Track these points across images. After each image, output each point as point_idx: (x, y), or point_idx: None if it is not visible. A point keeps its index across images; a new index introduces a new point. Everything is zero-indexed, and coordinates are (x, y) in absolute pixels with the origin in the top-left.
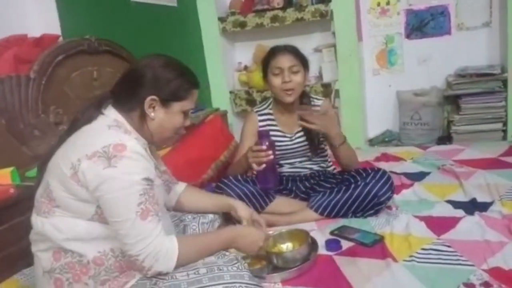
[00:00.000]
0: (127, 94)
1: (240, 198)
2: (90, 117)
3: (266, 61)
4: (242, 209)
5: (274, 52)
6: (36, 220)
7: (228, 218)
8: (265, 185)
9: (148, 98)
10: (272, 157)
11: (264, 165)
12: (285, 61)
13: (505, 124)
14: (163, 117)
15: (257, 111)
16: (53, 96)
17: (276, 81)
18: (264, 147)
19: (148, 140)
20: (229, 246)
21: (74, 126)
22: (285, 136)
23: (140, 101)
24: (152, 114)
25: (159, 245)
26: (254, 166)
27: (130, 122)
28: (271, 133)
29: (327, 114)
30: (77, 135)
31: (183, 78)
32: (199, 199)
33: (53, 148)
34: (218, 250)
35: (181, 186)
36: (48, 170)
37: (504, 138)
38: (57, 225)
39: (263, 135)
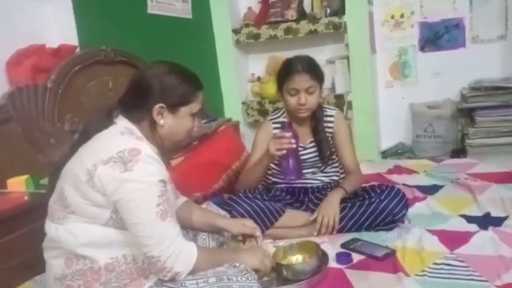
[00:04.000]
0: (135, 104)
1: (249, 215)
2: (100, 127)
3: (282, 77)
4: (232, 227)
5: (291, 71)
6: (50, 227)
7: None
8: (288, 176)
9: (156, 106)
10: (294, 145)
11: (285, 152)
12: (301, 82)
13: None
14: (172, 123)
15: (271, 119)
16: (69, 105)
17: (292, 100)
18: (287, 134)
19: (160, 147)
20: (235, 260)
21: (85, 136)
22: (299, 146)
23: (148, 110)
24: (162, 121)
25: (181, 245)
26: (277, 153)
27: (141, 130)
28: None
29: (326, 203)
30: (90, 142)
31: (187, 82)
32: (194, 216)
33: (65, 157)
34: (228, 262)
35: (181, 200)
36: (62, 177)
37: None
38: (72, 231)
39: (287, 125)
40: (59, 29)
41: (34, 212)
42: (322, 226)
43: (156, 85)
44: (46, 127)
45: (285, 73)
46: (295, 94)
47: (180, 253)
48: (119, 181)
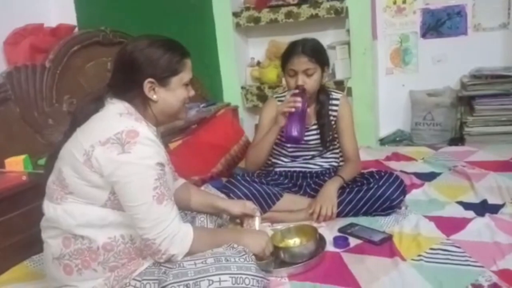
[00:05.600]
0: (124, 84)
1: (247, 198)
2: (89, 114)
3: (284, 59)
4: (232, 208)
5: (291, 53)
6: (48, 207)
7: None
8: (291, 133)
9: (146, 82)
10: (300, 104)
11: (293, 110)
12: (299, 64)
13: None
14: (165, 95)
15: (276, 97)
16: (67, 85)
17: (291, 81)
18: (298, 97)
19: (156, 124)
20: (237, 244)
21: (74, 124)
22: (306, 109)
23: (138, 87)
24: (154, 96)
25: (176, 228)
26: (285, 109)
27: (137, 110)
28: None
29: (324, 193)
30: (89, 123)
31: (171, 52)
32: (193, 198)
33: (59, 144)
34: (227, 243)
35: (179, 182)
36: (60, 157)
37: None
38: (70, 211)
39: (300, 88)
40: (58, 9)
41: (32, 192)
42: (320, 216)
43: (139, 59)
44: (44, 107)
45: (286, 54)
46: (293, 75)
47: (175, 236)
48: (116, 163)
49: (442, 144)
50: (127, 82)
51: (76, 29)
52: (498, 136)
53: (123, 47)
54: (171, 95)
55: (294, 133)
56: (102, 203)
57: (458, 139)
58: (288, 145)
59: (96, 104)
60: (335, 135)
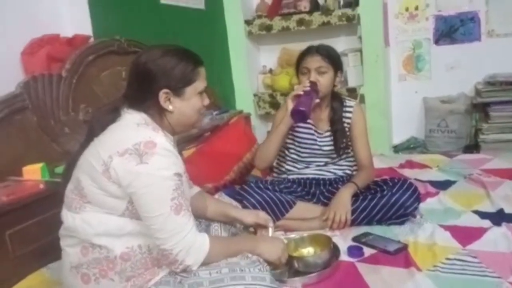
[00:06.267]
0: (140, 94)
1: (260, 205)
2: (106, 124)
3: (298, 61)
4: (245, 217)
5: (305, 53)
6: (67, 216)
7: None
8: (298, 107)
9: (161, 92)
10: (308, 88)
11: (301, 93)
12: (312, 62)
13: None
14: (181, 105)
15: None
16: (83, 94)
17: (303, 79)
18: (307, 83)
19: (172, 133)
20: (252, 251)
21: (91, 134)
22: (316, 132)
23: (154, 97)
24: (170, 106)
25: (193, 239)
26: (295, 92)
27: (154, 120)
28: (304, 125)
29: (338, 199)
30: (106, 133)
31: (184, 61)
32: (207, 206)
33: (76, 153)
34: (242, 253)
35: (194, 190)
36: (78, 166)
37: None
38: (88, 220)
39: (311, 83)
40: (73, 19)
41: (49, 200)
42: (334, 222)
43: (153, 69)
44: (61, 116)
45: (301, 55)
46: (306, 72)
47: (192, 247)
48: (134, 173)
49: (457, 151)
50: (142, 93)
51: (92, 39)
52: None
53: (137, 57)
54: (186, 104)
55: (301, 107)
56: (120, 213)
57: (473, 146)
58: (302, 151)
59: (113, 115)
60: (349, 143)
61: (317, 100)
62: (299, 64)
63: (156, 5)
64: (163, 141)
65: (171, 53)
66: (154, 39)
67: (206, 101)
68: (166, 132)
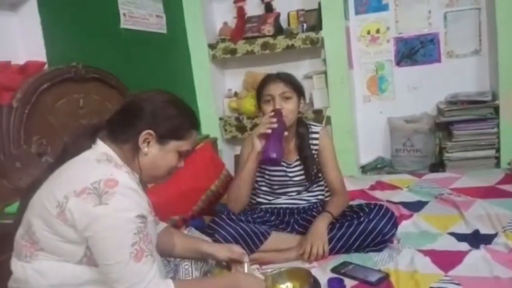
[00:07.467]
0: (123, 126)
1: (233, 238)
2: (81, 147)
3: (259, 90)
4: (218, 253)
5: (266, 79)
6: (17, 265)
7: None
8: (268, 155)
9: (144, 132)
10: (276, 125)
11: (270, 132)
12: (276, 88)
13: (497, 150)
14: (157, 154)
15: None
16: (36, 125)
17: (267, 108)
18: (273, 118)
19: (139, 174)
20: None
21: (64, 156)
22: (285, 163)
23: (135, 134)
24: (146, 149)
25: None
26: (261, 130)
27: (121, 156)
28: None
29: (314, 231)
30: (62, 170)
31: (184, 117)
32: (175, 243)
33: (37, 181)
34: None
35: (160, 227)
36: (30, 208)
37: (497, 165)
38: (41, 270)
39: (276, 110)
40: (26, 45)
41: None
42: (311, 255)
43: (149, 108)
44: (12, 149)
45: (261, 85)
46: (270, 100)
47: None
48: (91, 216)
49: (423, 169)
50: (126, 124)
51: (46, 66)
52: (478, 161)
53: (139, 93)
54: (162, 155)
55: (272, 154)
56: (77, 260)
57: (438, 165)
58: (273, 183)
59: (90, 139)
60: (319, 168)
61: (286, 133)
62: (260, 93)
63: (116, 30)
64: (125, 179)
65: (176, 104)
66: (114, 65)
67: (181, 164)
68: (134, 171)
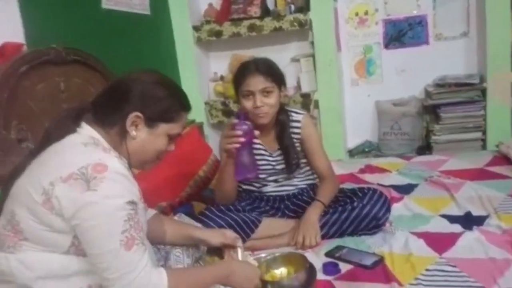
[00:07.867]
0: (109, 108)
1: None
2: (65, 131)
3: (237, 81)
4: (211, 238)
5: (244, 73)
6: (0, 257)
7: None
8: (243, 175)
9: (132, 115)
10: (242, 139)
11: (238, 146)
12: (256, 83)
13: (484, 133)
14: (146, 137)
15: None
16: (15, 110)
17: (248, 104)
18: (237, 129)
19: (127, 159)
20: (223, 282)
21: (46, 140)
22: (266, 152)
23: (122, 117)
24: (134, 132)
25: (147, 279)
26: (228, 146)
27: (108, 140)
28: (255, 147)
29: (306, 222)
30: (47, 155)
31: (175, 98)
32: (166, 230)
33: (18, 168)
34: (211, 286)
35: (149, 214)
36: (12, 196)
37: (484, 147)
38: (26, 262)
39: (242, 117)
40: (2, 25)
41: None
42: (304, 246)
43: (137, 90)
44: None
45: (239, 76)
46: (249, 95)
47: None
48: (79, 203)
49: (411, 152)
50: (113, 107)
51: (25, 48)
52: (465, 143)
53: (126, 73)
54: (151, 140)
55: (246, 175)
56: (64, 250)
57: (425, 147)
58: (259, 172)
59: (74, 123)
60: (302, 158)
61: (257, 133)
62: (238, 85)
63: (98, 10)
64: (115, 164)
65: (166, 84)
66: (96, 47)
67: (171, 148)
68: (121, 155)
